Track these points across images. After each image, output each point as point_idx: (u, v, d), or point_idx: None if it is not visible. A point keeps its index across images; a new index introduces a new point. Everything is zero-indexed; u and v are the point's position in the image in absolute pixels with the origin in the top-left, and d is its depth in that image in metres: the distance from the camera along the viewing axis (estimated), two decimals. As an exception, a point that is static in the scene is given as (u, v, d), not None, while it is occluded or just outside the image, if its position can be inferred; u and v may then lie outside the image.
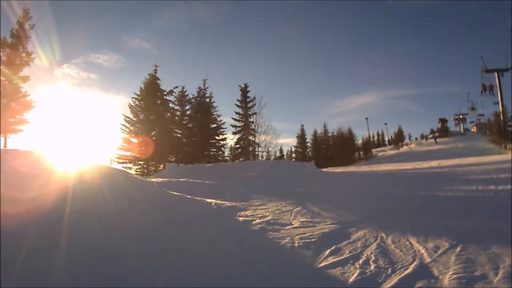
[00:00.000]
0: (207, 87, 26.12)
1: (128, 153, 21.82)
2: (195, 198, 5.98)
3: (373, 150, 46.89)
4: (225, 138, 26.25)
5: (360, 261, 3.03)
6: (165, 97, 23.41)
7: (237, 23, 67.36)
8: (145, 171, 21.39)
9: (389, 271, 2.76)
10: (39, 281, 2.49)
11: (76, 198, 3.87)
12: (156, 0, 56.16)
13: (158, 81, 23.30)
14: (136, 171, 21.49)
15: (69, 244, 3.06)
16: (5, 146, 16.88)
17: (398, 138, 49.98)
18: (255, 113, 26.87)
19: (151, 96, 22.41)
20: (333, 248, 3.45)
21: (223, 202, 6.13)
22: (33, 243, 2.93)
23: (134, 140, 21.85)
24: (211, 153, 25.18)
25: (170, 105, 24.21)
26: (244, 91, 27.72)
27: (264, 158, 27.52)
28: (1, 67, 17.62)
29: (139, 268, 2.84)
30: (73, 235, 3.24)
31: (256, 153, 26.48)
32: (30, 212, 3.33)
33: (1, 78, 17.53)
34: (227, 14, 62.78)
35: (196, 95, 25.85)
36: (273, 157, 30.93)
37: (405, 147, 44.08)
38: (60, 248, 2.98)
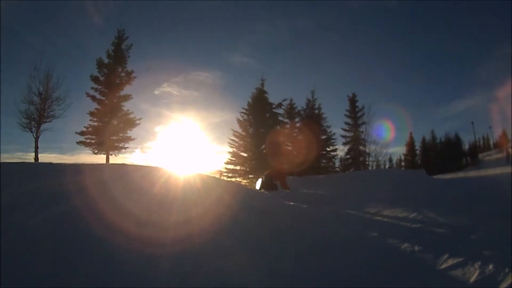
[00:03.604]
0: (316, 98, 26.51)
1: (238, 167, 23.15)
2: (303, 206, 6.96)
3: (479, 154, 43.08)
4: (336, 149, 26.39)
5: (479, 262, 3.48)
6: (273, 110, 24.15)
7: (339, 30, 66.41)
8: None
9: (507, 271, 3.19)
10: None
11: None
12: (255, 15, 59.52)
13: (266, 95, 24.04)
14: (246, 184, 22.14)
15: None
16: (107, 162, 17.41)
17: (502, 142, 45.35)
18: (364, 123, 26.62)
19: (259, 110, 23.23)
20: (452, 250, 3.91)
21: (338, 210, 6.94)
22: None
23: (244, 154, 23.12)
24: (322, 165, 25.27)
25: (279, 118, 24.87)
26: (353, 100, 27.70)
27: (374, 167, 26.92)
28: (100, 86, 18.85)
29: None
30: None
31: (366, 163, 26.09)
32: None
33: (101, 97, 18.82)
34: (326, 21, 62.60)
35: (305, 107, 26.47)
36: (382, 166, 29.97)
37: (510, 150, 39.14)
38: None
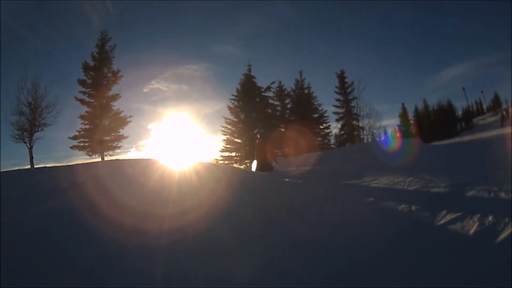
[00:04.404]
0: (304, 78, 26.65)
1: (233, 154, 23.30)
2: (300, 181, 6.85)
3: (473, 119, 43.83)
4: (329, 126, 26.56)
5: (478, 215, 3.38)
6: (263, 93, 24.20)
7: (322, 12, 65.36)
8: (252, 168, 22.64)
9: (507, 220, 3.09)
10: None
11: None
12: (237, 4, 58.42)
13: (254, 80, 24.08)
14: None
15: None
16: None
17: (496, 105, 46.39)
18: (355, 98, 26.60)
19: (249, 95, 23.32)
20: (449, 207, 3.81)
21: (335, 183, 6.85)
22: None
23: (238, 140, 23.26)
24: (317, 143, 25.36)
25: (270, 101, 24.95)
26: (341, 77, 27.68)
27: (370, 141, 26.96)
28: (88, 89, 18.90)
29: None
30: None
31: (361, 137, 26.15)
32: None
33: (90, 100, 18.89)
34: (309, 3, 61.52)
35: (294, 87, 26.56)
36: (378, 139, 30.06)
37: (504, 113, 39.88)
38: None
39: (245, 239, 3.30)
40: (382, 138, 26.69)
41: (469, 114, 44.48)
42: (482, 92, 59.09)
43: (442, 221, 3.48)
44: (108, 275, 2.50)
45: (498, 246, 2.66)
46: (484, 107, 53.25)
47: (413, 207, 4.13)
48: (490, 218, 3.23)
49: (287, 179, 7.19)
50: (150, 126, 38.17)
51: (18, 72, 23.40)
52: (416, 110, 41.45)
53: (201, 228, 3.46)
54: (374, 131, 26.59)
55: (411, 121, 40.00)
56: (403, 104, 40.91)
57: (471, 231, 3.07)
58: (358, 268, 2.60)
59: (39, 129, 17.27)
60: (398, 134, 34.35)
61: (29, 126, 16.97)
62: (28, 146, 17.01)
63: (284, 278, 2.52)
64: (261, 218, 4.00)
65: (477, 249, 2.70)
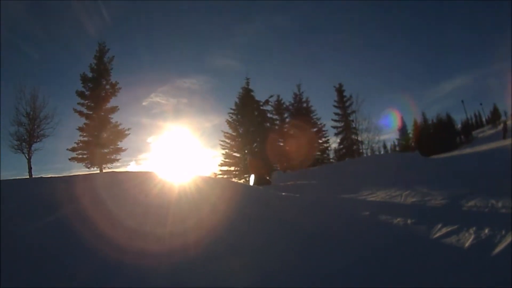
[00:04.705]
0: (302, 92, 26.18)
1: (232, 168, 22.68)
2: (296, 195, 6.78)
3: (473, 132, 43.92)
4: (328, 140, 26.12)
5: (474, 227, 3.31)
6: (261, 107, 23.88)
7: (319, 22, 66.28)
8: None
9: (503, 232, 3.02)
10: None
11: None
12: (232, 17, 59.16)
13: (252, 93, 23.73)
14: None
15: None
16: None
17: (495, 117, 46.30)
18: (354, 112, 26.40)
19: (247, 109, 22.94)
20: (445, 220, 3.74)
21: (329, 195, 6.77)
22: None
23: (237, 154, 22.79)
24: (316, 157, 24.88)
25: (268, 115, 24.56)
26: (340, 90, 27.25)
27: (369, 155, 26.82)
28: (86, 101, 18.67)
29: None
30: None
31: (360, 151, 25.96)
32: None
33: (89, 112, 18.66)
34: (305, 14, 62.43)
35: (292, 101, 26.00)
36: (377, 153, 29.86)
37: (502, 125, 40.14)
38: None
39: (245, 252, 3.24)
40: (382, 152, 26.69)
41: (468, 127, 44.20)
42: (481, 104, 59.14)
43: (438, 234, 3.41)
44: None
45: (494, 259, 2.59)
46: (483, 119, 53.15)
47: (409, 221, 4.05)
48: (486, 230, 3.16)
49: (283, 193, 7.12)
50: (150, 139, 38.06)
51: (17, 83, 23.45)
52: (415, 124, 40.45)
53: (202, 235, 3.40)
54: (373, 145, 26.51)
55: (410, 135, 39.93)
56: (402, 117, 40.49)
57: (467, 244, 3.00)
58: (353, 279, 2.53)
59: (38, 139, 17.22)
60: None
61: (28, 137, 16.92)
62: (27, 157, 16.92)
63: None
64: (259, 228, 3.95)
65: (472, 262, 2.62)
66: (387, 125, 27.62)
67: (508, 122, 27.81)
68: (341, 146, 26.49)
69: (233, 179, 22.04)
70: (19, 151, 16.85)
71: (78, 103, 19.14)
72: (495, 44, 55.70)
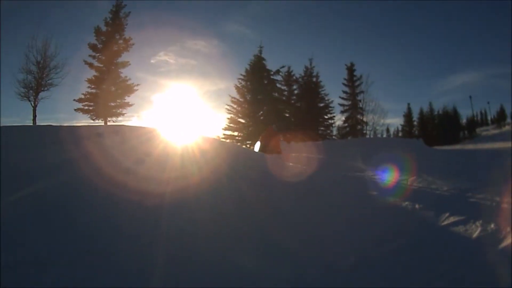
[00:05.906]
0: (314, 66, 26.07)
1: (236, 133, 22.80)
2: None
3: (477, 129, 44.49)
4: (333, 117, 26.26)
5: (481, 221, 3.46)
6: (271, 77, 23.65)
7: (338, 3, 63.50)
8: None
9: (508, 229, 3.17)
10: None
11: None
12: None
13: (264, 62, 23.41)
14: (245, 149, 22.70)
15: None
16: None
17: (500, 118, 47.36)
18: (362, 92, 26.37)
19: (257, 76, 22.71)
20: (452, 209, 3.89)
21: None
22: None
23: (242, 120, 22.83)
24: (319, 132, 25.03)
25: (277, 85, 24.39)
26: (351, 69, 27.19)
27: (371, 136, 26.90)
28: (98, 54, 18.92)
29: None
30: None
31: (364, 131, 26.08)
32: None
33: (99, 64, 18.92)
34: None
35: (303, 74, 25.98)
36: (380, 136, 29.85)
37: (507, 127, 40.28)
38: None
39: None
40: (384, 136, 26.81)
41: (473, 124, 44.52)
42: (488, 103, 58.80)
43: (446, 222, 3.59)
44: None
45: (501, 252, 2.76)
46: (489, 118, 53.02)
47: (417, 205, 4.22)
48: (492, 225, 3.32)
49: (290, 163, 7.27)
50: (154, 97, 37.64)
51: (30, 30, 23.16)
52: (421, 112, 40.58)
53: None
54: (377, 127, 26.64)
55: (415, 123, 39.93)
56: (408, 104, 40.24)
57: (474, 235, 3.17)
58: (362, 263, 2.70)
59: (45, 88, 17.36)
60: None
61: (36, 85, 16.98)
62: (33, 105, 17.05)
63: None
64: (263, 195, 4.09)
65: (481, 250, 2.79)
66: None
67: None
68: (346, 124, 26.67)
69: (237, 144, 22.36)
70: (25, 98, 17.01)
71: (89, 55, 19.14)
72: (509, 46, 54.44)
